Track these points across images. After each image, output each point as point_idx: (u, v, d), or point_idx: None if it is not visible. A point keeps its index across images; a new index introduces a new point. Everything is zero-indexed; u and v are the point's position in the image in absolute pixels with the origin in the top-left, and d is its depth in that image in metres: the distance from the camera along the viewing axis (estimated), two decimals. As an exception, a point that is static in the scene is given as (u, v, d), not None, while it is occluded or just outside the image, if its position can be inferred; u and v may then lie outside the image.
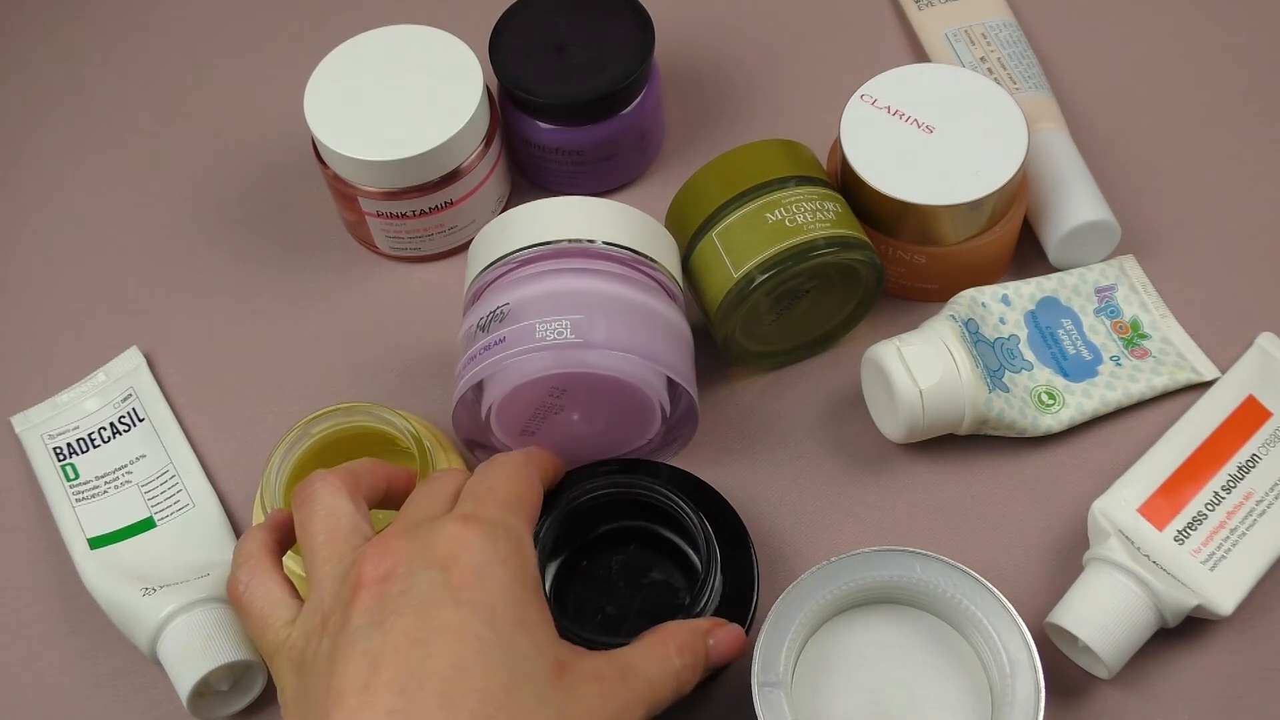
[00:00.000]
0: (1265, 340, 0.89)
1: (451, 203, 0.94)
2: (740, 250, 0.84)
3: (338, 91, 0.93)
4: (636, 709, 0.67)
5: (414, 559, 0.65)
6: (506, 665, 0.63)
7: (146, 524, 0.88)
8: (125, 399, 0.93)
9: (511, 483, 0.72)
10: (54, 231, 1.03)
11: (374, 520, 0.73)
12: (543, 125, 0.95)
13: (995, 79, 0.97)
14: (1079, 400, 0.87)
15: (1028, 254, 0.94)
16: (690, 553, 0.81)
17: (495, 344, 0.78)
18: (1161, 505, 0.81)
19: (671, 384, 0.81)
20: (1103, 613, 0.77)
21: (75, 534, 0.87)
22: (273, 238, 1.01)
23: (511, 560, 0.67)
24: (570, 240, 0.82)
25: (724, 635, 0.73)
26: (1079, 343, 0.89)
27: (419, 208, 0.93)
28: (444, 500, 0.71)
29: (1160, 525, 0.81)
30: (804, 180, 0.86)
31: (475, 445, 0.85)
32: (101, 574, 0.84)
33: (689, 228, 0.87)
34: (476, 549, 0.66)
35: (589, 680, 0.66)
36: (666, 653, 0.70)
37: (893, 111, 0.89)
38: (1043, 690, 0.72)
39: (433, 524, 0.67)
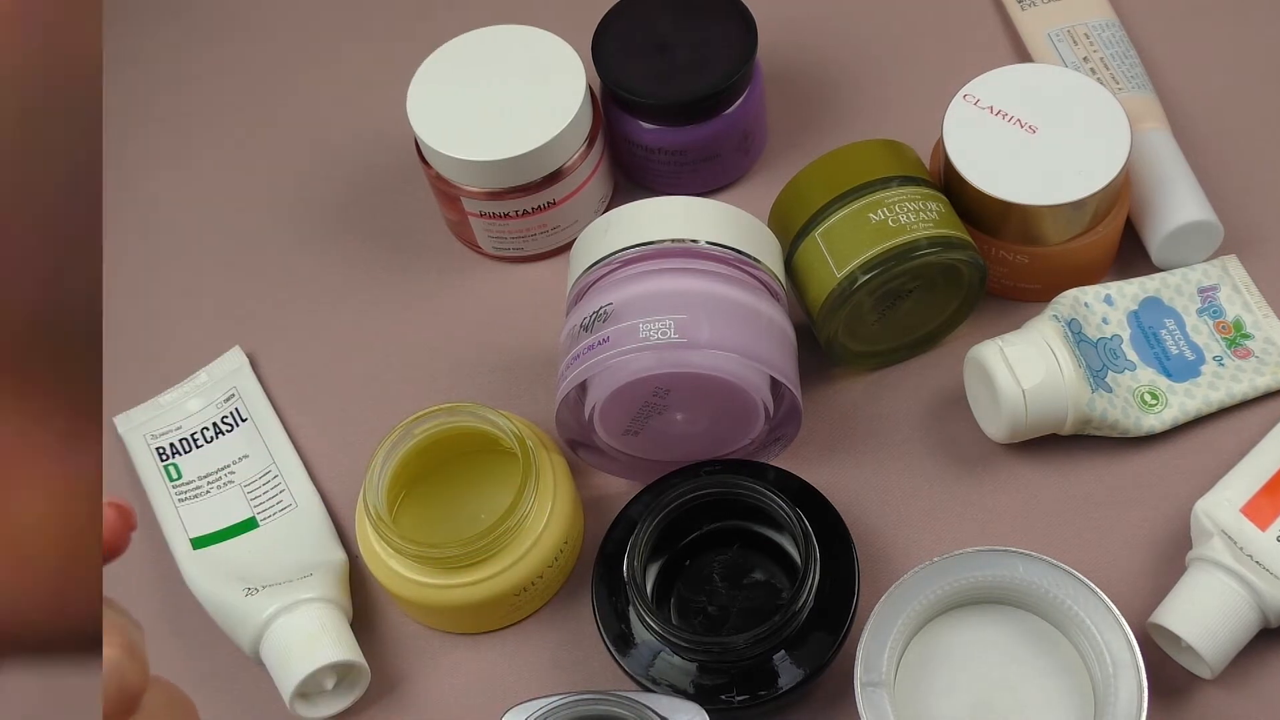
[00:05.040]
0: (1372, 341, 0.89)
1: (554, 203, 0.94)
2: (843, 250, 0.84)
3: (441, 92, 0.94)
4: None
5: None
6: None
7: (249, 524, 0.88)
8: (228, 399, 0.94)
9: None
10: (158, 234, 1.04)
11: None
12: (645, 125, 0.95)
13: (1098, 79, 0.97)
14: (1182, 400, 0.87)
15: (1130, 254, 0.93)
16: (793, 553, 0.81)
17: (599, 343, 0.79)
18: (1264, 505, 0.81)
19: (775, 384, 0.81)
20: (1205, 613, 0.77)
21: (178, 534, 0.88)
22: (375, 238, 1.02)
23: None
24: (673, 240, 0.82)
25: None
26: (1182, 343, 0.89)
27: (522, 208, 0.93)
28: None
29: (1263, 525, 0.80)
30: (907, 180, 0.86)
31: (578, 445, 0.86)
32: (204, 574, 0.86)
33: (792, 228, 0.87)
34: None
35: None
36: None
37: (996, 111, 0.89)
38: (1145, 691, 0.72)
39: None
